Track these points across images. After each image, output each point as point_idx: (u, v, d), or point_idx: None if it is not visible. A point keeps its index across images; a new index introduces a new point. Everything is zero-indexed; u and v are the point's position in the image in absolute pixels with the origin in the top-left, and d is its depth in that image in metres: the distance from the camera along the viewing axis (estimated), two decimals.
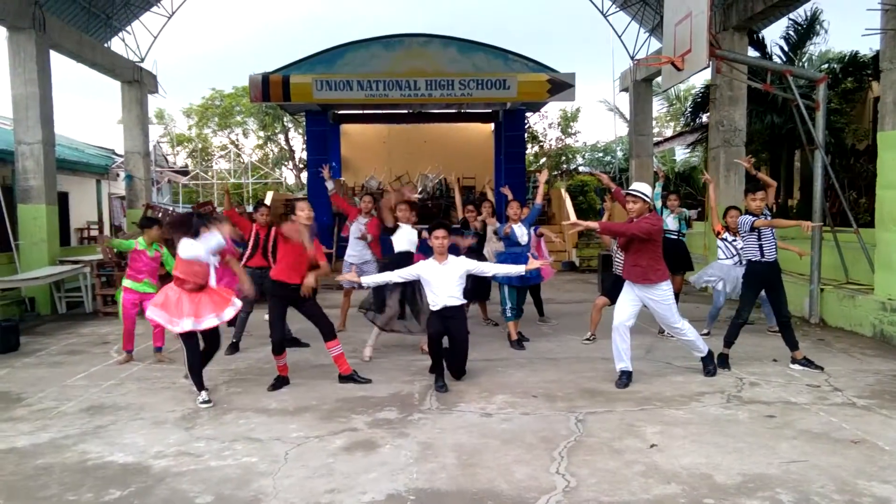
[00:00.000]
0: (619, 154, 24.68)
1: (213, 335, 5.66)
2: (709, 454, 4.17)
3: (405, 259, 6.77)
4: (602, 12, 16.12)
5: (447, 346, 5.91)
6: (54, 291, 10.72)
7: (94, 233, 16.98)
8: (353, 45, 14.33)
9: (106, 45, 14.26)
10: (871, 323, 7.75)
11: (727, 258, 7.70)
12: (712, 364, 6.06)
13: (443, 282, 5.87)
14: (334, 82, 13.86)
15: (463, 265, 6.01)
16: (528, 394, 5.57)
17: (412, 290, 6.47)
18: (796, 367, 6.24)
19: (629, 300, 5.86)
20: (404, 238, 7.00)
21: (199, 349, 5.56)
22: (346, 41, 14.44)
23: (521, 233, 7.38)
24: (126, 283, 6.89)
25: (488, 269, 6.37)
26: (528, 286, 7.80)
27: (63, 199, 14.79)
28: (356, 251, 8.26)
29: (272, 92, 14.08)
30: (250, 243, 7.48)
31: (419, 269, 5.98)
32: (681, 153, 23.52)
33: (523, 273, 6.19)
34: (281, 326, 5.92)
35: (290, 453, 4.30)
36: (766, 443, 4.36)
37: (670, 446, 4.32)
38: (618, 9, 16.07)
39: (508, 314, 7.39)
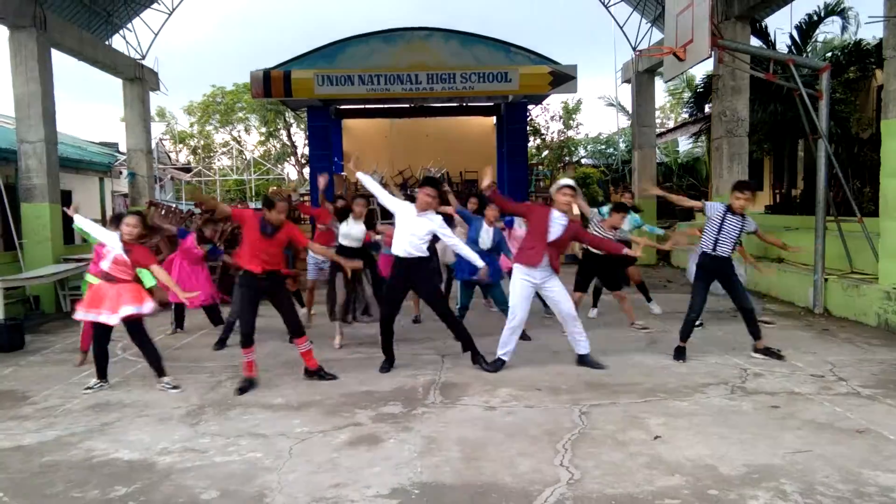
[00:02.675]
0: (622, 146, 24.61)
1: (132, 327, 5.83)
2: (713, 445, 4.17)
3: (344, 253, 6.84)
4: (604, 3, 16.05)
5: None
6: (58, 290, 10.75)
7: None
8: (354, 39, 14.28)
9: (107, 42, 14.26)
10: (876, 312, 7.73)
11: None
12: (590, 361, 6.14)
13: (411, 229, 5.98)
14: (335, 77, 13.82)
15: (434, 223, 6.06)
16: (531, 387, 5.57)
17: (356, 281, 6.90)
18: (758, 356, 6.25)
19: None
20: (349, 233, 7.08)
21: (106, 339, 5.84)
22: (346, 36, 14.42)
23: (485, 237, 7.23)
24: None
25: (451, 240, 6.20)
26: (483, 285, 7.45)
27: (66, 198, 14.76)
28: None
29: (274, 88, 14.05)
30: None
31: (400, 207, 6.12)
32: (684, 144, 23.42)
33: (480, 267, 6.16)
34: (250, 318, 5.78)
35: (294, 448, 4.31)
36: (771, 433, 4.36)
37: (674, 438, 4.32)
38: None
39: (457, 312, 7.32)
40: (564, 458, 4.02)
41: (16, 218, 11.07)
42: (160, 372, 5.85)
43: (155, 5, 15.21)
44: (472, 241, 7.13)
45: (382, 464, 4.02)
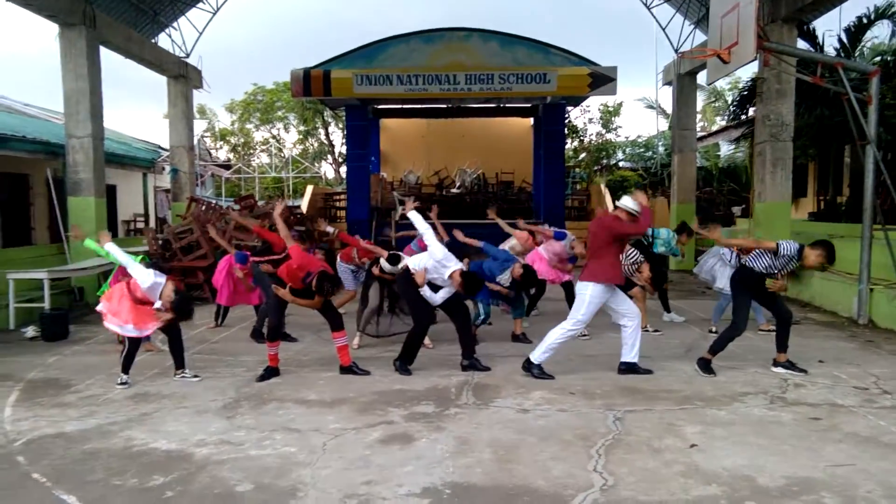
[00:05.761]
0: (661, 149, 24.27)
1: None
2: (751, 456, 4.09)
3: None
4: (646, 4, 15.85)
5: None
6: (102, 281, 10.99)
7: (140, 225, 17.40)
8: (394, 39, 14.36)
9: (153, 40, 14.60)
10: None
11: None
12: (626, 366, 6.02)
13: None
14: (374, 77, 13.92)
15: (424, 257, 6.25)
16: (565, 390, 5.53)
17: (390, 296, 6.97)
18: (778, 369, 6.02)
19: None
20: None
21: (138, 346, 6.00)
22: (386, 35, 14.51)
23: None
24: None
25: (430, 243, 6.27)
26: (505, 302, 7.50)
27: (111, 192, 15.17)
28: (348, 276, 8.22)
29: (313, 87, 14.20)
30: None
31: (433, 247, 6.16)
32: (725, 148, 22.99)
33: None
34: (280, 312, 6.15)
35: (328, 444, 4.35)
36: (812, 445, 4.26)
37: (711, 447, 4.24)
38: (662, 1, 15.78)
39: (477, 321, 7.41)
40: (598, 464, 3.98)
41: (63, 211, 11.38)
42: (180, 363, 6.07)
43: (200, 4, 15.51)
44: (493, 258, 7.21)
45: (414, 463, 4.03)
